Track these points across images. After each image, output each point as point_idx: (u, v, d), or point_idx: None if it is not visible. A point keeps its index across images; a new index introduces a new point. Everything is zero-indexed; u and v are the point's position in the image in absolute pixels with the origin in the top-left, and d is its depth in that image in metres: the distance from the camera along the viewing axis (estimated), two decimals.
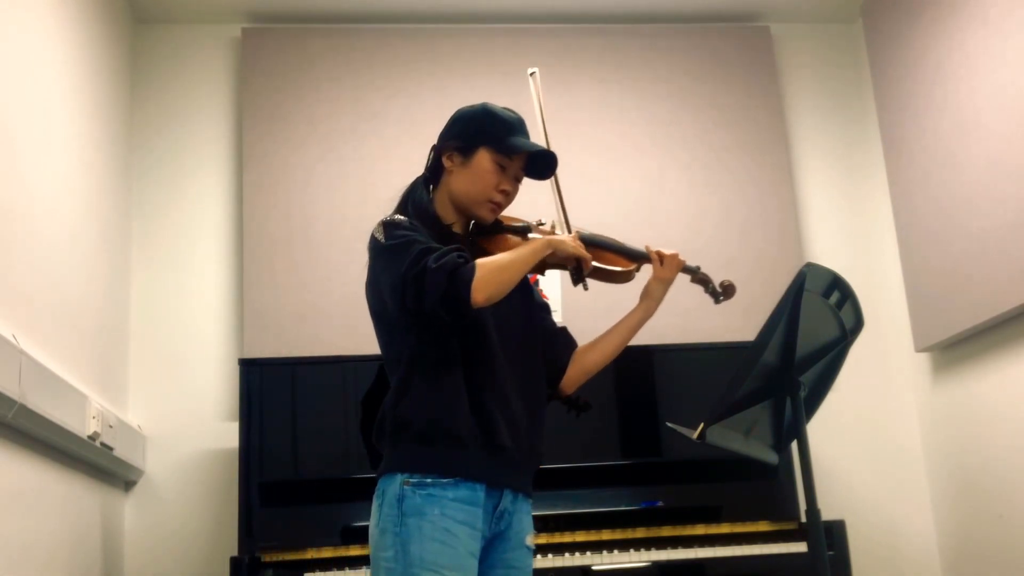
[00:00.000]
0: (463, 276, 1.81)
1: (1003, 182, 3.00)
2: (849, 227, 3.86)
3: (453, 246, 1.88)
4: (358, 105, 3.69)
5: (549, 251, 1.96)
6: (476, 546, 1.88)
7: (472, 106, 2.09)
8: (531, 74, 2.21)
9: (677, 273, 2.19)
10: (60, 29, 2.87)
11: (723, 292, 2.27)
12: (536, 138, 2.10)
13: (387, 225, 1.94)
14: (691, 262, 2.24)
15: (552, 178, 2.11)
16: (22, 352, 2.27)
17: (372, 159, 3.62)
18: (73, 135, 2.94)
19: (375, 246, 1.95)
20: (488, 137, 2.01)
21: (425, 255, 1.84)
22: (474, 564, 1.88)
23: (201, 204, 3.61)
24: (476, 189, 2.02)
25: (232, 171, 3.65)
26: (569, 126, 3.74)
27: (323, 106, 3.68)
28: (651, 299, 2.17)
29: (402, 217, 1.97)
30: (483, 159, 2.01)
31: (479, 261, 1.86)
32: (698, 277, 2.27)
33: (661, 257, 2.17)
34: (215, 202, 3.62)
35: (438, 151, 2.08)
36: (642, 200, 3.71)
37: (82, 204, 2.99)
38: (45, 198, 2.66)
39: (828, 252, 3.77)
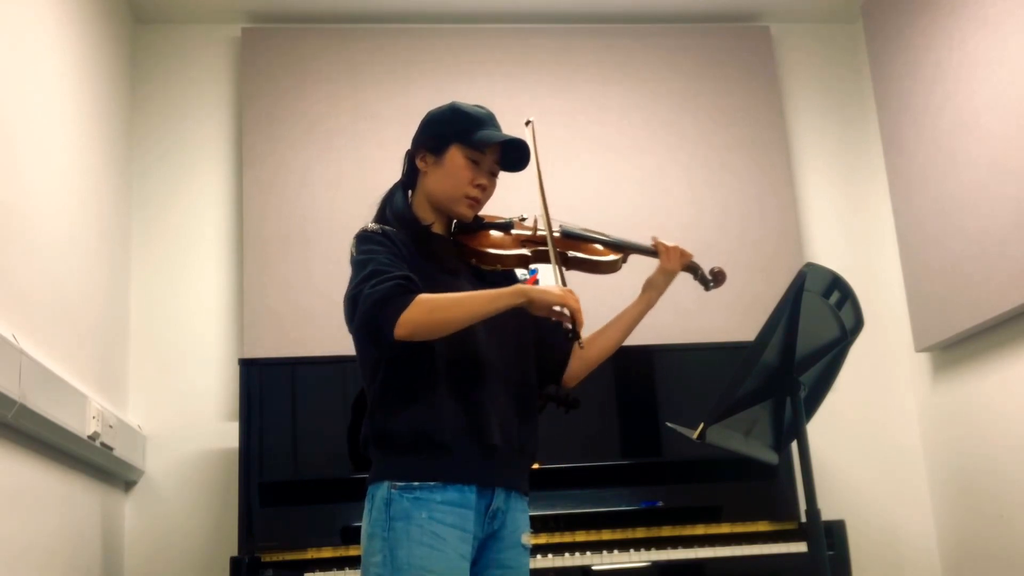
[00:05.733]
0: (390, 309, 1.80)
1: (1003, 182, 3.00)
2: (849, 227, 3.86)
3: (399, 273, 1.85)
4: (357, 105, 3.69)
5: (521, 301, 1.85)
6: (467, 549, 1.87)
7: (440, 107, 2.10)
8: (527, 123, 2.13)
9: (682, 265, 2.18)
10: (60, 29, 2.87)
11: (713, 279, 2.24)
12: (534, 185, 2.07)
13: (359, 238, 1.97)
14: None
15: (537, 176, 2.09)
16: (22, 352, 2.27)
17: (371, 159, 3.62)
18: (73, 135, 2.94)
19: (350, 259, 1.97)
20: (458, 134, 2.02)
21: (369, 279, 1.84)
22: (465, 567, 1.86)
23: (201, 204, 3.61)
24: (451, 186, 2.02)
25: (232, 171, 3.65)
26: (569, 126, 3.75)
27: (322, 106, 3.67)
28: (654, 290, 2.16)
29: (376, 228, 1.97)
30: (455, 156, 2.02)
31: (422, 297, 1.82)
32: (688, 265, 2.24)
33: (667, 249, 2.17)
34: (215, 202, 3.62)
35: (411, 155, 2.10)
36: (642, 200, 3.71)
37: (82, 204, 2.98)
38: (45, 198, 2.65)
39: (828, 252, 3.77)
